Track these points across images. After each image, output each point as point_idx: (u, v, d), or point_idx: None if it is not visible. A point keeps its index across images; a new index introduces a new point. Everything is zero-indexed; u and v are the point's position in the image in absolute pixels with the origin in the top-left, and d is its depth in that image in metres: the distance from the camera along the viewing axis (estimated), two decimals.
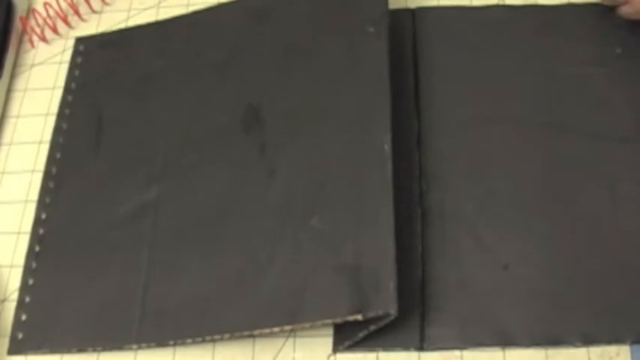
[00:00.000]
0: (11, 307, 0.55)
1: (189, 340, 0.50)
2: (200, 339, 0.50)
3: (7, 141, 0.63)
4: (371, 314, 0.46)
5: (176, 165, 0.57)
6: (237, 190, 0.55)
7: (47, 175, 0.60)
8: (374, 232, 0.49)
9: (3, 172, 0.62)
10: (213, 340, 0.51)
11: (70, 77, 0.65)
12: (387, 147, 0.51)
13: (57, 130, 0.62)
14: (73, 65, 0.66)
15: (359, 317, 0.46)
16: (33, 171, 0.61)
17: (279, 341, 0.52)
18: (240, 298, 0.50)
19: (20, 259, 0.57)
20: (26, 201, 0.60)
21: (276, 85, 0.58)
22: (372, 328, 0.47)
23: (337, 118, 0.54)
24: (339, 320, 0.47)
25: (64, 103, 0.64)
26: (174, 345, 0.52)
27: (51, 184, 0.60)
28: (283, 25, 0.60)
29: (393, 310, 0.46)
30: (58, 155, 0.61)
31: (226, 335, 0.49)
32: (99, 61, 0.65)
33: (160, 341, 0.51)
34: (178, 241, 0.54)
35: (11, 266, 0.57)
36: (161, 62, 0.63)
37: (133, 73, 0.63)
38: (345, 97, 0.54)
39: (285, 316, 0.48)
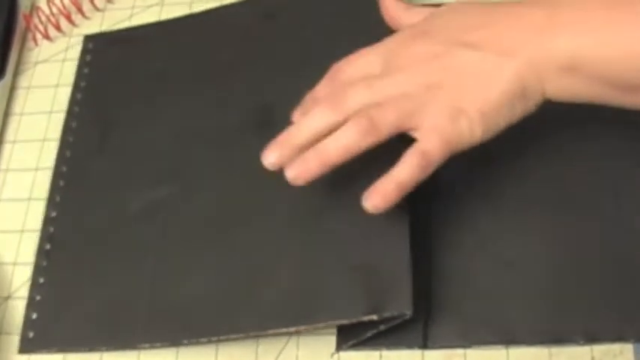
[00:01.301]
0: (15, 304, 0.56)
1: (203, 340, 0.50)
2: (215, 339, 0.50)
3: (11, 138, 0.63)
4: (386, 314, 0.46)
5: (187, 164, 0.57)
6: (249, 191, 0.54)
7: (57, 174, 0.60)
8: (387, 231, 0.48)
9: (7, 170, 0.62)
10: (221, 341, 0.50)
11: (79, 75, 0.65)
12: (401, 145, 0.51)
13: (66, 129, 0.62)
14: (82, 63, 0.65)
15: (374, 317, 0.46)
16: (37, 169, 0.61)
17: (283, 339, 0.52)
18: (253, 298, 0.50)
19: (24, 256, 0.57)
20: (30, 199, 0.60)
21: (288, 85, 0.57)
22: (382, 327, 0.47)
23: None
24: (354, 320, 0.47)
25: (73, 102, 0.63)
26: (189, 344, 0.51)
27: (61, 183, 0.60)
28: (295, 24, 0.60)
29: (408, 311, 0.45)
30: (68, 154, 0.61)
31: (241, 335, 0.49)
32: (108, 59, 0.65)
33: (173, 341, 0.51)
34: (189, 240, 0.54)
35: (15, 264, 0.57)
36: (172, 61, 0.63)
37: (142, 72, 0.63)
38: None
39: (299, 317, 0.48)
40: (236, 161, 0.56)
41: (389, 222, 0.48)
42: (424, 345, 0.50)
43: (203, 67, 0.62)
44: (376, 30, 0.56)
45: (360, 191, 0.50)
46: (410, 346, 0.50)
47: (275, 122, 0.56)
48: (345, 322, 0.47)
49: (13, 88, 0.66)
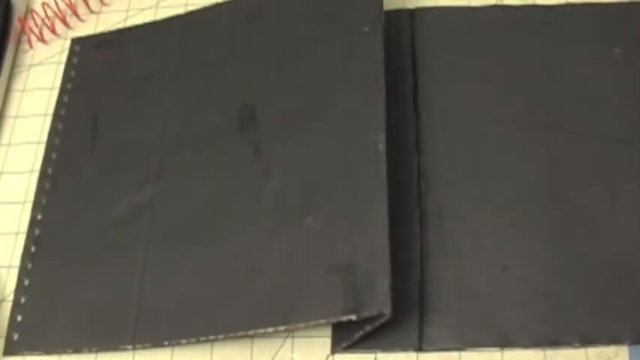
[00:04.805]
0: (9, 307, 0.55)
1: (184, 341, 0.50)
2: (195, 340, 0.50)
3: (6, 141, 0.63)
4: (365, 314, 0.46)
5: (171, 165, 0.57)
6: (232, 190, 0.55)
7: (43, 176, 0.60)
8: (368, 232, 0.48)
9: (1, 173, 0.62)
10: (209, 341, 0.51)
11: (66, 78, 0.65)
12: (382, 146, 0.51)
13: (52, 131, 0.62)
14: (68, 66, 0.65)
15: (353, 317, 0.46)
16: (31, 171, 0.61)
17: (278, 342, 0.52)
18: (235, 298, 0.50)
19: (19, 260, 0.57)
20: (24, 202, 0.60)
21: (271, 85, 0.58)
22: (368, 328, 0.47)
23: (332, 117, 0.54)
24: (332, 320, 0.47)
25: (59, 104, 0.64)
26: (170, 346, 0.52)
27: (47, 185, 0.60)
28: (278, 24, 0.61)
29: (387, 310, 0.46)
30: (54, 156, 0.61)
31: (221, 336, 0.49)
32: (95, 61, 0.65)
33: (155, 342, 0.51)
34: (174, 241, 0.54)
35: (9, 267, 0.57)
36: (157, 62, 0.63)
37: (128, 74, 0.63)
38: (340, 96, 0.54)
39: (279, 317, 0.48)
40: (220, 161, 0.56)
41: (369, 222, 0.49)
42: (419, 347, 0.50)
43: (188, 67, 0.62)
44: (360, 30, 0.56)
45: (342, 192, 0.50)
46: (405, 348, 0.50)
47: (258, 122, 0.56)
48: (323, 322, 0.47)
49: (7, 91, 0.65)
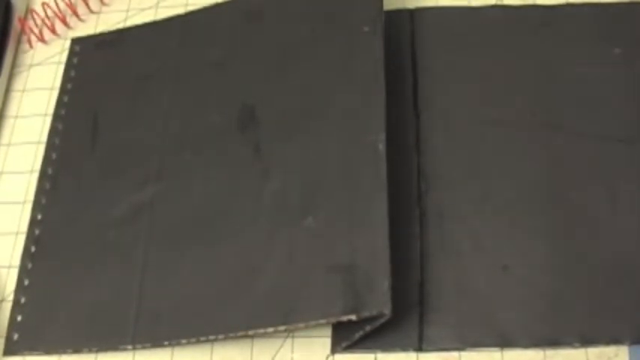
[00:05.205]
0: (9, 307, 0.55)
1: (184, 341, 0.50)
2: (195, 340, 0.50)
3: (6, 141, 0.63)
4: (365, 314, 0.46)
5: (171, 165, 0.57)
6: (232, 190, 0.55)
7: (43, 176, 0.60)
8: (368, 232, 0.48)
9: (1, 173, 0.62)
10: (209, 341, 0.51)
11: (66, 78, 0.65)
12: (382, 146, 0.51)
13: (52, 131, 0.62)
14: (68, 66, 0.66)
15: (353, 317, 0.46)
16: (31, 171, 0.61)
17: (278, 342, 0.52)
18: (235, 298, 0.50)
19: (19, 260, 0.57)
20: (24, 202, 0.60)
21: (271, 85, 0.58)
22: (368, 328, 0.47)
23: (332, 117, 0.54)
24: (332, 320, 0.47)
25: (59, 104, 0.64)
26: (170, 346, 0.51)
27: (47, 185, 0.60)
28: (278, 24, 0.61)
29: (387, 310, 0.46)
30: (54, 156, 0.61)
31: (221, 336, 0.49)
32: (95, 61, 0.65)
33: (155, 342, 0.51)
34: (174, 241, 0.54)
35: (9, 267, 0.57)
36: (157, 62, 0.63)
37: (128, 74, 0.63)
38: (340, 96, 0.54)
39: (279, 317, 0.48)
40: (220, 161, 0.56)
41: (369, 222, 0.49)
42: (419, 347, 0.50)
43: (188, 67, 0.62)
44: (360, 30, 0.56)
45: (342, 192, 0.50)
46: (405, 348, 0.50)
47: (258, 122, 0.56)
48: (323, 322, 0.47)
49: (7, 91, 0.65)
